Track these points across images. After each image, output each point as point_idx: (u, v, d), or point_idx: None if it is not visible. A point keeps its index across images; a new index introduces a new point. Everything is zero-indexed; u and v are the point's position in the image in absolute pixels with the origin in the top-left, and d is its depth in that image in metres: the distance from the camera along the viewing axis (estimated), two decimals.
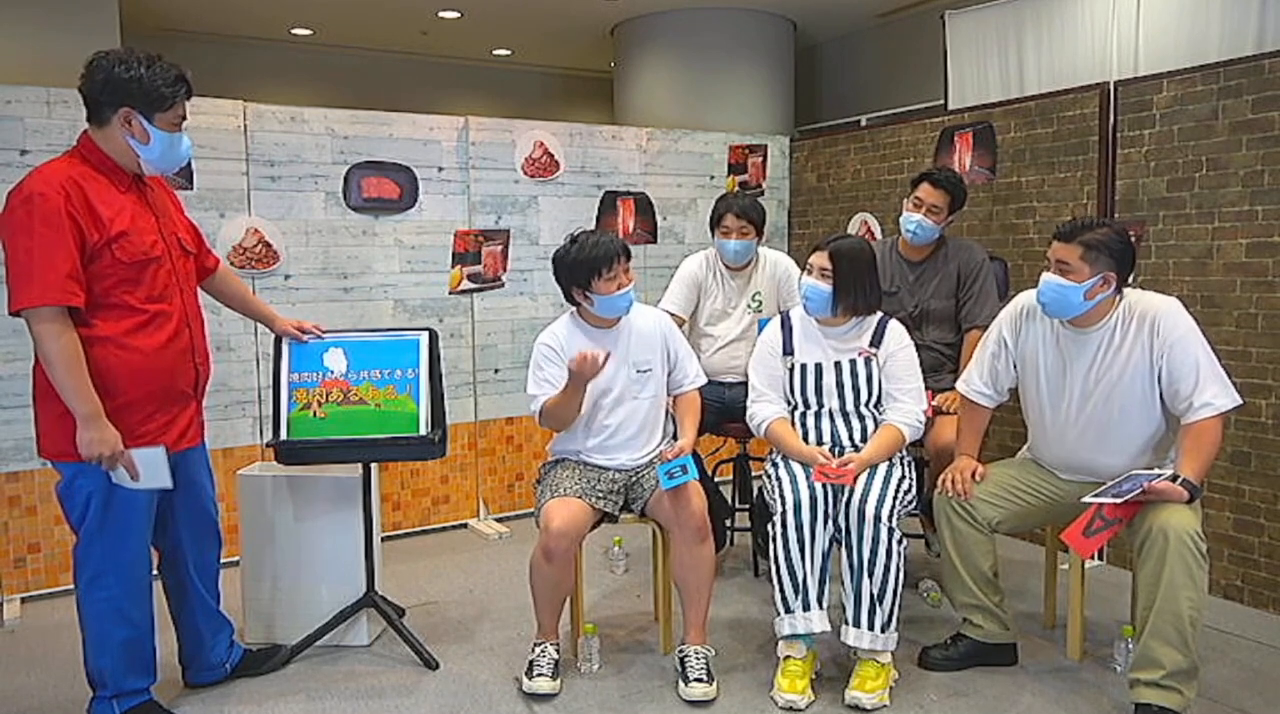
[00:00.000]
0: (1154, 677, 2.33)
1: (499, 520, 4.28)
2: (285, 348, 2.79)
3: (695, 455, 3.33)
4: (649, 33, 7.32)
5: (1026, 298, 2.68)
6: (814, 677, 2.64)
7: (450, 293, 4.15)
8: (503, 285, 4.27)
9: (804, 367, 2.80)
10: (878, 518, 2.53)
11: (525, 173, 4.28)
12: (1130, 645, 2.61)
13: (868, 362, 2.77)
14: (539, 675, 2.63)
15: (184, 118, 2.32)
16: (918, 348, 2.87)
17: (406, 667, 2.83)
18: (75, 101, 2.38)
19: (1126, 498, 2.36)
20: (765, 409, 2.85)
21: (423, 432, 2.78)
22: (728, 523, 3.68)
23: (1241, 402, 2.46)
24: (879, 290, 2.82)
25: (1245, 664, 2.80)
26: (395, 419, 2.78)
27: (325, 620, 2.88)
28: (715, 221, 3.42)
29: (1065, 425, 2.62)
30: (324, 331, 2.84)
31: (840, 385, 2.77)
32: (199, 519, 2.57)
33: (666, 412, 2.92)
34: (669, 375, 2.88)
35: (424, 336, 2.86)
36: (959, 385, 2.84)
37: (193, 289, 2.48)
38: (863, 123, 7.29)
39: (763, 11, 7.17)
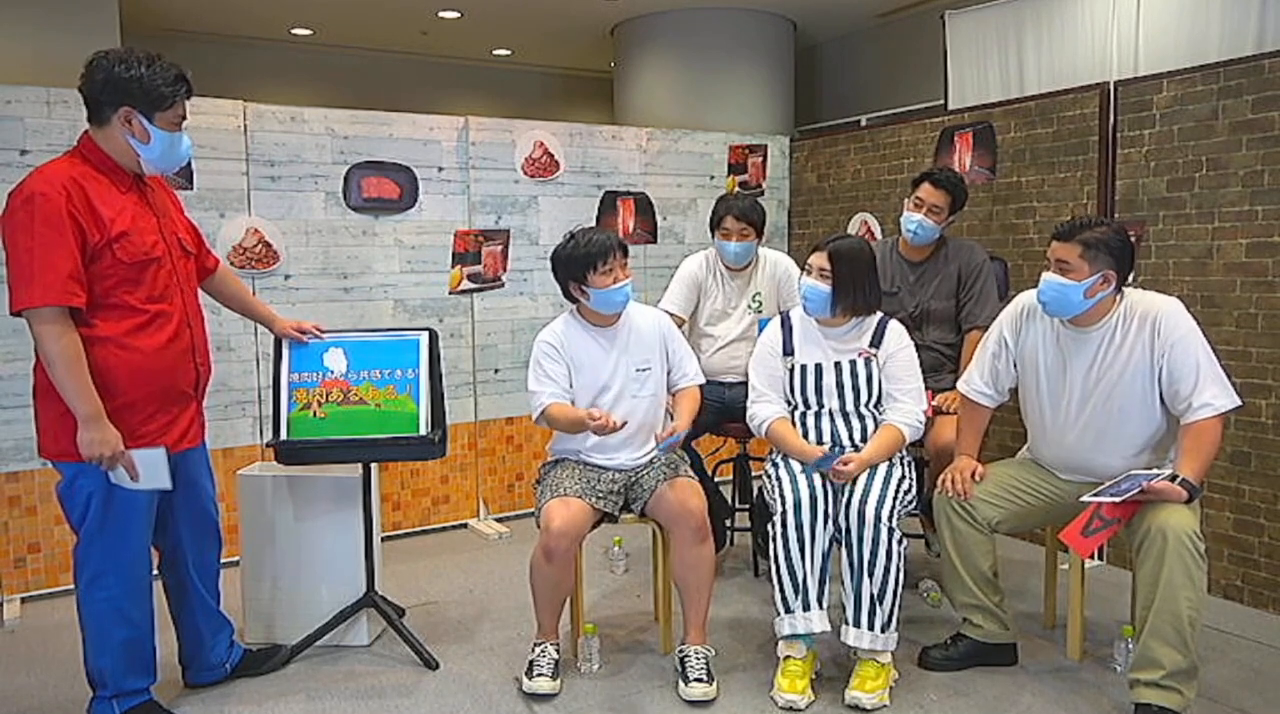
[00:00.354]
0: (1154, 677, 2.33)
1: (499, 520, 4.29)
2: (285, 348, 2.79)
3: (695, 455, 3.34)
4: (649, 33, 7.32)
5: (1027, 298, 2.68)
6: (814, 677, 2.64)
7: (450, 293, 4.15)
8: (503, 285, 4.27)
9: (804, 367, 2.80)
10: (878, 518, 2.53)
11: (525, 173, 4.28)
12: (1130, 645, 2.61)
13: (867, 362, 2.78)
14: (539, 675, 2.63)
15: (184, 117, 2.32)
16: (918, 348, 2.87)
17: (406, 667, 2.83)
18: (75, 101, 2.39)
19: (1125, 497, 2.36)
20: (765, 409, 2.85)
21: (423, 432, 2.78)
22: (728, 523, 3.68)
23: (1241, 402, 2.47)
24: (878, 291, 2.82)
25: (1245, 664, 2.80)
26: (395, 419, 2.78)
27: (325, 620, 2.88)
28: (715, 223, 3.42)
29: (1065, 425, 2.62)
30: (324, 332, 2.84)
31: (840, 386, 2.77)
32: (199, 519, 2.57)
33: (666, 410, 2.92)
34: (668, 374, 2.88)
35: (424, 337, 2.86)
36: (959, 385, 2.85)
37: (193, 289, 2.49)
38: (863, 123, 7.29)
39: (763, 11, 7.17)
